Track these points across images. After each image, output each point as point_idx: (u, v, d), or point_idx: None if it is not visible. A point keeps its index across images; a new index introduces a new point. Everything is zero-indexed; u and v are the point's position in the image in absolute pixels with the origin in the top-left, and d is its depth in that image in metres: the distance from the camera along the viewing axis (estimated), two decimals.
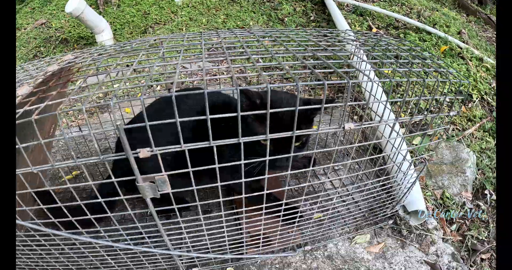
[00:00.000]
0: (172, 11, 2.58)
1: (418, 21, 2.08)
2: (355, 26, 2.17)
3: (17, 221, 0.54)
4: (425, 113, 0.97)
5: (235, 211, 0.76)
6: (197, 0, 2.65)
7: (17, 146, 0.48)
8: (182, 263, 0.83)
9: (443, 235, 1.05)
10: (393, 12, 2.18)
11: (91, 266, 0.80)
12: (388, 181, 0.97)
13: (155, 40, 0.86)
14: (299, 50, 0.76)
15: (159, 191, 0.54)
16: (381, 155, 0.94)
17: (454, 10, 2.48)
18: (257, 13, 2.49)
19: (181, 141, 0.49)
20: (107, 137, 1.30)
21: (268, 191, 0.65)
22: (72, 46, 2.49)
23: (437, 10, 2.23)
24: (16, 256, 0.71)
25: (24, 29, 2.64)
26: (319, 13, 2.45)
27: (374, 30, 2.11)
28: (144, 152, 0.49)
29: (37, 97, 0.54)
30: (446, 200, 1.16)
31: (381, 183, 0.89)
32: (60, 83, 0.63)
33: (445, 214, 1.12)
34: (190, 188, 0.57)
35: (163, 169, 0.52)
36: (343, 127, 0.57)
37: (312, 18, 2.41)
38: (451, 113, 0.72)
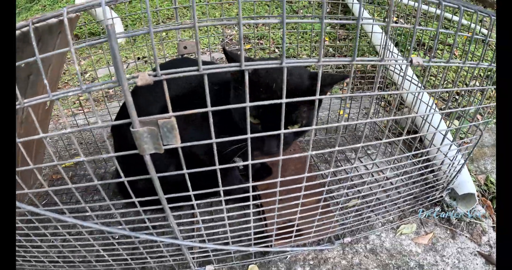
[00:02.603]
0: (184, 6, 2.49)
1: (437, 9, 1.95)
2: (373, 16, 2.05)
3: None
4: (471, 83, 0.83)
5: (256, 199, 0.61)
6: None
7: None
8: (194, 258, 0.69)
9: (493, 223, 0.91)
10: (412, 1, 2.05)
11: (82, 260, 0.66)
12: (430, 162, 0.83)
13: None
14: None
15: (164, 144, 0.38)
16: (418, 135, 0.80)
17: (471, 2, 2.34)
18: (271, 6, 2.39)
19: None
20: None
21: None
22: (83, 42, 2.41)
23: None
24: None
25: None
26: (335, 6, 2.33)
27: (394, 19, 1.98)
28: (144, 76, 0.34)
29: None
30: (491, 186, 1.01)
31: (421, 165, 0.74)
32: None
33: (492, 201, 0.97)
34: (205, 142, 0.40)
35: (170, 109, 0.36)
36: (411, 61, 0.43)
37: (328, 9, 2.29)
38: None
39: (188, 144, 0.40)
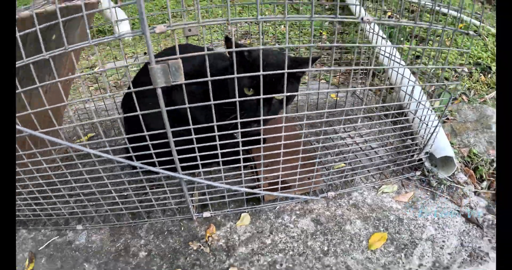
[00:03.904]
0: (188, 4, 2.65)
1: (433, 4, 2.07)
2: (370, 11, 2.16)
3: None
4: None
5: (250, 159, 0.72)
6: None
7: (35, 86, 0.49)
8: (194, 206, 0.80)
9: (475, 189, 0.98)
10: None
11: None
12: (404, 124, 0.93)
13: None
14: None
15: (172, 82, 0.52)
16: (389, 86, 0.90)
17: None
18: (272, 5, 2.53)
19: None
20: None
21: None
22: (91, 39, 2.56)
23: None
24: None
25: None
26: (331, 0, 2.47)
27: (389, 13, 2.10)
28: (160, 27, 0.47)
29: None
30: (474, 158, 1.09)
31: (394, 127, 0.84)
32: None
33: (475, 171, 1.05)
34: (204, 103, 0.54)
35: (178, 52, 0.50)
36: (362, 19, 0.54)
37: (327, 7, 2.42)
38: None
39: (190, 81, 0.52)
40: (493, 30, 1.83)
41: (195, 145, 0.65)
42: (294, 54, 1.78)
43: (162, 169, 0.65)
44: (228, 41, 0.67)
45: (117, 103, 1.22)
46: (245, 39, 2.27)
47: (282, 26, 2.35)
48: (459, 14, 0.76)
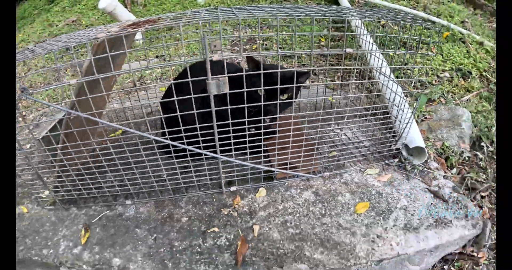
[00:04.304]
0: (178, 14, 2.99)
1: (423, 13, 2.42)
2: (365, 24, 2.51)
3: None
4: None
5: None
6: (218, 0, 3.06)
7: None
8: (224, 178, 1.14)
9: (444, 174, 1.32)
10: (400, 6, 2.53)
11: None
12: (383, 121, 1.28)
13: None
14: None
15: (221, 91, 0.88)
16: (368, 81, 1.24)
17: (462, 5, 2.79)
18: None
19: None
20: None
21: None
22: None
23: (443, 4, 2.58)
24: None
25: (56, 26, 3.07)
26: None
27: (383, 22, 2.45)
28: (216, 56, 0.81)
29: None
30: (446, 150, 1.43)
31: (375, 122, 1.19)
32: (149, 20, 0.96)
33: (446, 160, 1.39)
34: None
35: (226, 75, 0.85)
36: (345, 50, 0.88)
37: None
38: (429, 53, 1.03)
39: (232, 91, 0.87)
40: (478, 37, 2.18)
41: (231, 134, 0.99)
42: (296, 60, 2.13)
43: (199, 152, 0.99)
44: (251, 61, 1.03)
45: (132, 103, 1.55)
46: (250, 44, 2.62)
47: (284, 32, 2.69)
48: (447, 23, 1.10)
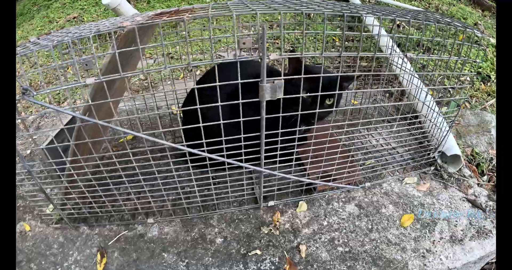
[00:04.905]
0: (200, 7, 2.87)
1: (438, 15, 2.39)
2: (378, 19, 2.47)
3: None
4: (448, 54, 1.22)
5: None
6: None
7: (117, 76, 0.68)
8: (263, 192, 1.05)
9: (477, 181, 1.29)
10: (412, 6, 2.49)
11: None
12: (421, 130, 1.23)
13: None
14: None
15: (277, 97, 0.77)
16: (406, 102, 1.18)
17: (470, 6, 2.79)
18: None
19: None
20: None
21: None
22: (105, 39, 2.75)
23: (454, 5, 2.55)
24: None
25: (56, 22, 2.90)
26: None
27: (398, 23, 2.40)
28: (273, 55, 0.73)
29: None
30: (476, 156, 1.40)
31: (413, 131, 1.14)
32: (187, 10, 0.85)
33: (477, 167, 1.36)
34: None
35: (282, 76, 0.75)
36: (405, 55, 0.81)
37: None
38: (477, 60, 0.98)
39: (286, 96, 0.78)
40: (492, 41, 2.16)
41: (279, 145, 0.91)
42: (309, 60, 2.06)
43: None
44: (295, 62, 0.94)
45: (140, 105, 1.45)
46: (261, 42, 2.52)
47: (296, 31, 2.61)
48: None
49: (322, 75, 0.82)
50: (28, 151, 1.43)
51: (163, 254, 0.97)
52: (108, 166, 0.90)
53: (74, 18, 2.88)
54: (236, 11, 0.73)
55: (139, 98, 1.83)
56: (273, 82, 0.76)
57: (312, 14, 2.70)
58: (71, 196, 0.95)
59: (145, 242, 1.00)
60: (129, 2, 2.99)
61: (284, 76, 0.77)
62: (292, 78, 0.81)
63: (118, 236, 1.01)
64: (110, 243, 0.99)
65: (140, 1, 3.02)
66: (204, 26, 2.57)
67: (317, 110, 0.89)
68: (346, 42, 2.39)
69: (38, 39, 0.89)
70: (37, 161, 1.04)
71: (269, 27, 2.40)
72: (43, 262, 0.96)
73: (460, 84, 1.78)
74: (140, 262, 0.95)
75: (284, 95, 0.79)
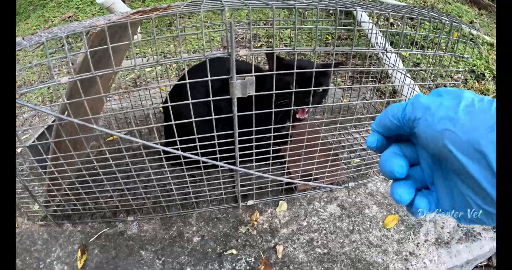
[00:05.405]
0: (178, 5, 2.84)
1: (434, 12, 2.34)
2: (373, 18, 2.42)
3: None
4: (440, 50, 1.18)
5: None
6: None
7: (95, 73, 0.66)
8: (240, 192, 1.01)
9: None
10: (408, 4, 2.44)
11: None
12: None
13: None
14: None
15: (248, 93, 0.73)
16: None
17: (466, 5, 2.73)
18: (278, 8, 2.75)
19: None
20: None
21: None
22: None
23: (450, 4, 2.50)
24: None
25: (52, 21, 2.89)
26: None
27: (391, 20, 2.36)
28: (243, 51, 0.68)
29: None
30: None
31: None
32: (160, 8, 0.82)
33: None
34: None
35: (253, 71, 0.71)
36: (386, 49, 0.77)
37: (330, 11, 2.67)
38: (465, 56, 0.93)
39: (258, 93, 0.73)
40: (488, 39, 2.11)
41: (254, 143, 0.86)
42: (303, 57, 2.02)
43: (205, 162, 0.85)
44: (273, 57, 0.90)
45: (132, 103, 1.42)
46: (254, 41, 2.49)
47: (289, 30, 2.57)
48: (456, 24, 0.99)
49: (295, 71, 0.77)
50: (19, 150, 1.41)
51: (141, 251, 0.96)
52: (88, 164, 0.89)
53: (69, 17, 2.87)
54: (228, 7, 0.69)
55: (135, 96, 1.81)
56: (244, 79, 0.72)
57: (306, 13, 2.66)
58: (53, 193, 0.95)
59: (125, 239, 1.00)
60: (124, 1, 2.98)
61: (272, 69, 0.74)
62: (271, 73, 0.77)
63: (99, 234, 1.01)
64: (91, 240, 1.00)
65: (135, 0, 3.00)
66: (196, 24, 2.55)
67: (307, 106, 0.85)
68: (339, 40, 2.34)
69: (23, 39, 0.88)
70: (20, 159, 1.05)
71: (263, 23, 2.37)
72: (27, 258, 0.97)
73: (453, 82, 1.73)
74: (118, 259, 0.94)
75: (267, 91, 0.76)
